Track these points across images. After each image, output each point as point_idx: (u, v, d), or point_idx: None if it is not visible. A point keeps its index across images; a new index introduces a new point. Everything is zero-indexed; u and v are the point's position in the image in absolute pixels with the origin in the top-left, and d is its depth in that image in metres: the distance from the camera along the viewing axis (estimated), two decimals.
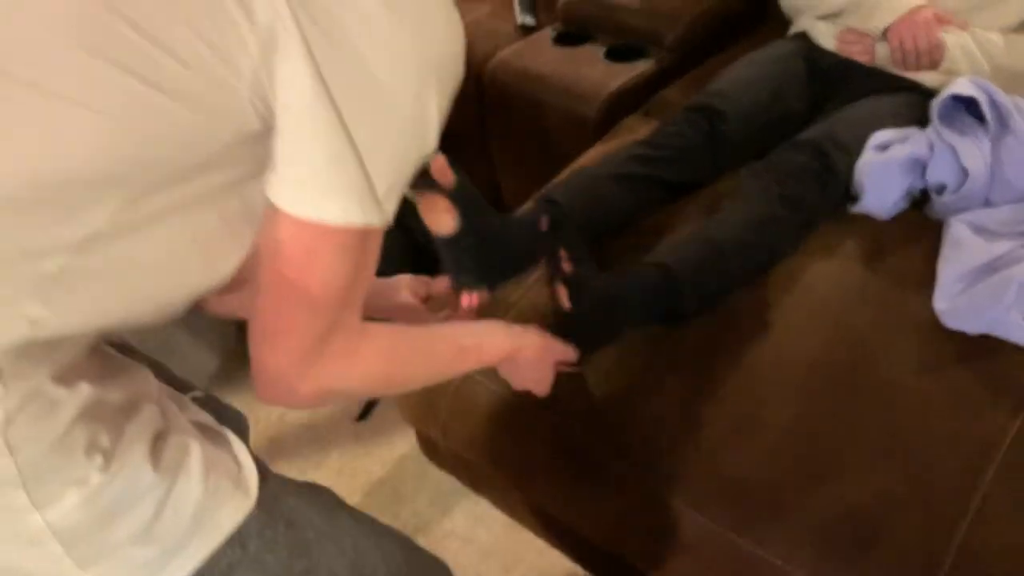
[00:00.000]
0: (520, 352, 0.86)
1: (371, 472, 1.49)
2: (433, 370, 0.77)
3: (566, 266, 0.96)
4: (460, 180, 0.87)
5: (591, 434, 1.00)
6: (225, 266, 0.59)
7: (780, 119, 1.35)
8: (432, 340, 0.76)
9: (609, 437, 0.99)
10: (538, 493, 1.14)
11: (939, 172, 1.18)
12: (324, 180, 0.53)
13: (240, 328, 0.63)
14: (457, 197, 0.87)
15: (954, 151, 1.18)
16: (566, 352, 0.94)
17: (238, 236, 0.58)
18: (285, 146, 0.53)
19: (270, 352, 0.59)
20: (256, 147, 0.53)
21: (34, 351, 0.53)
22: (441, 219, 0.87)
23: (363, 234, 0.56)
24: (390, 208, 0.57)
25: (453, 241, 0.89)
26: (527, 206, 1.20)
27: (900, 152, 1.19)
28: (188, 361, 1.70)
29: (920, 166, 1.20)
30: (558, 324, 0.95)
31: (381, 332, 0.67)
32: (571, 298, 0.95)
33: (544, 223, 0.97)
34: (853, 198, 1.23)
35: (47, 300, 0.51)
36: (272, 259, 0.56)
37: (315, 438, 1.55)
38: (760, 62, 1.42)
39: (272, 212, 0.55)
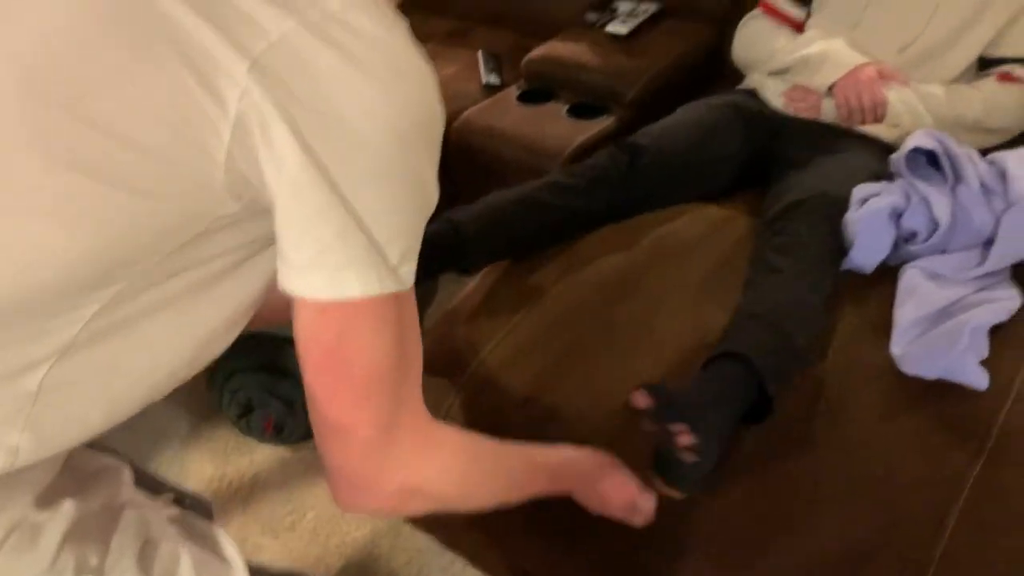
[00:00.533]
0: (601, 480, 0.82)
1: (346, 532, 1.47)
2: (508, 481, 0.72)
3: (685, 440, 0.88)
4: None
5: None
6: (218, 347, 0.58)
7: (705, 161, 1.39)
8: (504, 448, 0.72)
9: None
10: (515, 551, 1.14)
11: (913, 221, 1.21)
12: (335, 257, 0.51)
13: (209, 385, 0.62)
14: None
15: (927, 202, 1.21)
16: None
17: (232, 324, 0.56)
18: (287, 231, 0.51)
19: (339, 451, 0.56)
20: (239, 231, 0.52)
21: (12, 480, 0.51)
22: None
23: (392, 302, 0.53)
24: (408, 271, 0.55)
25: None
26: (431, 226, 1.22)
27: (883, 203, 1.21)
28: (159, 423, 1.68)
29: (897, 216, 1.23)
30: (677, 476, 0.91)
31: (450, 427, 0.65)
32: (698, 453, 0.88)
33: (643, 400, 0.90)
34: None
35: (28, 423, 0.50)
36: (308, 353, 0.54)
37: (289, 499, 1.53)
38: (695, 107, 1.47)
39: (296, 305, 0.53)
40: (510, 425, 1.01)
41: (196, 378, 0.61)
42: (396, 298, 0.54)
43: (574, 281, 1.24)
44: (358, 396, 0.54)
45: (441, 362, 1.18)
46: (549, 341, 1.16)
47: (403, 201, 0.53)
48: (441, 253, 1.18)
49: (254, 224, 0.53)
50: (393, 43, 0.53)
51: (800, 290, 1.11)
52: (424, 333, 0.61)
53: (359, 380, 0.54)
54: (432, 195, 0.56)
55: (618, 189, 1.31)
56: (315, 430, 0.57)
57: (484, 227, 1.22)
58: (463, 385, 1.15)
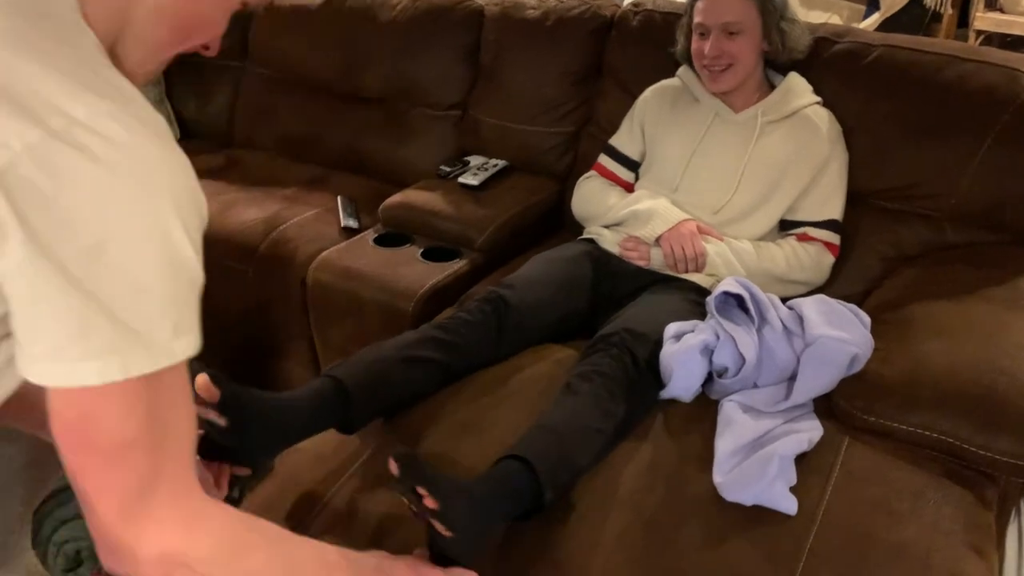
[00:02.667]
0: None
1: None
2: (294, 572, 0.72)
3: (429, 503, 0.96)
4: (226, 390, 1.02)
5: None
6: None
7: (566, 313, 1.50)
8: (293, 538, 0.73)
9: None
10: None
11: (723, 357, 1.33)
12: (75, 348, 0.54)
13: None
14: (225, 406, 1.01)
15: (734, 340, 1.35)
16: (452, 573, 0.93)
17: None
18: (22, 326, 0.55)
19: (92, 513, 0.59)
20: None
21: None
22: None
23: (143, 383, 0.57)
24: (185, 344, 0.58)
25: (223, 436, 1.02)
26: (311, 382, 1.23)
27: (695, 340, 1.33)
28: None
29: (709, 352, 1.36)
30: (442, 551, 0.97)
31: (223, 506, 0.66)
32: (449, 527, 0.96)
33: (394, 467, 0.98)
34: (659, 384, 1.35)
35: None
36: (54, 426, 0.57)
37: None
38: (550, 260, 1.59)
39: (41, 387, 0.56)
40: None
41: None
42: (150, 378, 0.57)
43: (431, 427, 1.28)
44: (106, 466, 0.58)
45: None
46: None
47: (162, 284, 0.57)
48: (326, 412, 1.19)
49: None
50: (143, 141, 0.56)
51: (591, 413, 1.22)
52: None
53: (106, 452, 0.57)
54: (196, 271, 0.59)
55: (490, 344, 1.40)
56: (76, 495, 0.59)
57: (367, 386, 1.24)
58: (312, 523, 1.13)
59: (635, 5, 1.99)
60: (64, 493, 1.28)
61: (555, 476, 1.12)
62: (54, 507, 1.24)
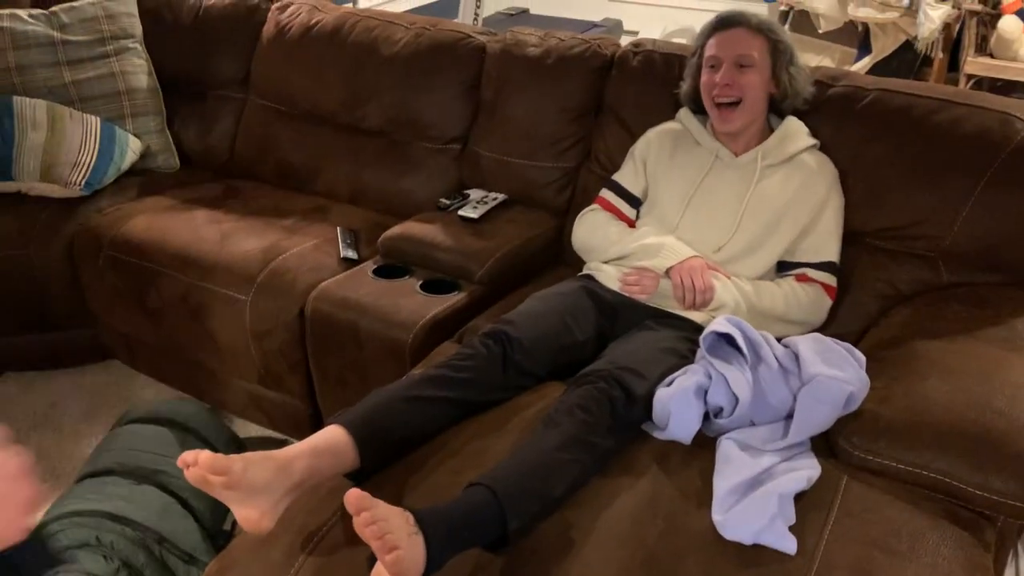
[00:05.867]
0: None
1: None
2: None
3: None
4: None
5: None
6: None
7: (567, 346, 1.51)
8: None
9: None
10: None
11: (717, 397, 1.34)
12: None
13: None
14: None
15: (726, 380, 1.35)
16: None
17: None
18: None
19: None
20: None
21: None
22: None
23: None
24: None
25: None
26: (319, 433, 1.23)
27: (689, 381, 1.34)
28: None
29: (703, 392, 1.36)
30: None
31: None
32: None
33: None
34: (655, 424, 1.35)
35: None
36: None
37: None
38: (548, 296, 1.60)
39: None
40: None
41: None
42: None
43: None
44: None
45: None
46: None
47: None
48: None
49: None
50: None
51: (568, 446, 1.22)
52: None
53: None
54: None
55: (497, 380, 1.40)
56: None
57: (378, 434, 1.25)
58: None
59: (635, 45, 2.03)
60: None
61: (521, 504, 1.12)
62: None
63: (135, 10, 2.44)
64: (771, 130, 1.72)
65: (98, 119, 2.28)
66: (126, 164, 2.31)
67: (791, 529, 1.15)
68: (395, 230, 1.95)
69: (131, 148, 2.33)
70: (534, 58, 2.08)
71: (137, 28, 2.44)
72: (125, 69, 2.38)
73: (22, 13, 2.33)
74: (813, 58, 3.71)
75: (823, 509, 1.20)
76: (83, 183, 2.21)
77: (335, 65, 2.31)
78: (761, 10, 3.87)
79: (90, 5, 2.38)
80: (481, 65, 2.16)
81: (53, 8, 2.37)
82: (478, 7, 3.78)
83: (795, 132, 1.70)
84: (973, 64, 3.23)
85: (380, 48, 2.25)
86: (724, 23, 1.69)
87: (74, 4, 2.38)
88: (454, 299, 1.78)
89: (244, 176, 2.47)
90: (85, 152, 2.22)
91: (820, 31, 3.71)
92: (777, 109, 1.73)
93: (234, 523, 1.23)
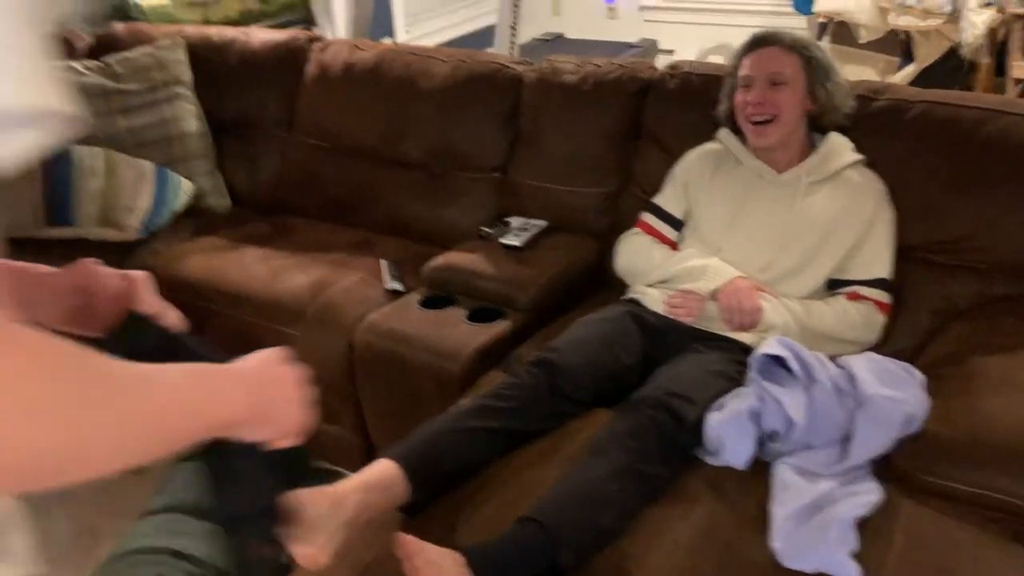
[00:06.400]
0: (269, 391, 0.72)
1: None
2: (136, 409, 0.51)
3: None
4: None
5: None
6: None
7: (614, 372, 1.50)
8: (129, 365, 0.52)
9: None
10: None
11: (771, 421, 1.32)
12: None
13: None
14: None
15: (779, 402, 1.33)
16: None
17: None
18: None
19: None
20: None
21: None
22: None
23: None
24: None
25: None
26: (370, 466, 1.25)
27: (742, 406, 1.32)
28: None
29: (756, 415, 1.34)
30: None
31: (34, 333, 0.46)
32: None
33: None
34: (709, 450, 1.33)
35: None
36: None
37: None
38: (593, 322, 1.60)
39: None
40: None
41: None
42: None
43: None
44: None
45: None
46: None
47: None
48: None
49: None
50: None
51: (618, 475, 1.21)
52: None
53: None
54: None
55: (545, 408, 1.40)
56: None
57: (424, 465, 1.26)
58: None
59: (672, 68, 2.03)
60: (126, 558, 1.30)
61: (572, 536, 1.11)
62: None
63: (184, 57, 2.53)
64: (814, 148, 1.70)
65: (152, 164, 2.36)
66: (179, 206, 2.38)
67: (854, 557, 1.12)
68: (439, 260, 1.97)
69: (184, 191, 2.40)
70: (571, 85, 2.10)
71: (187, 74, 2.52)
72: (176, 115, 2.47)
73: (78, 65, 2.43)
74: (855, 69, 3.65)
75: (885, 535, 1.17)
76: (140, 226, 2.28)
77: (375, 101, 2.35)
78: (799, 22, 3.84)
79: (143, 55, 2.48)
80: (518, 94, 2.19)
81: (107, 59, 2.47)
82: (513, 35, 3.82)
83: (839, 148, 1.68)
84: (1021, 68, 3.15)
85: (419, 82, 2.29)
86: (758, 43, 1.68)
87: (127, 55, 2.48)
88: (500, 327, 1.79)
89: (291, 213, 2.52)
90: (141, 196, 2.30)
91: (861, 41, 3.66)
92: (818, 126, 1.71)
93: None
